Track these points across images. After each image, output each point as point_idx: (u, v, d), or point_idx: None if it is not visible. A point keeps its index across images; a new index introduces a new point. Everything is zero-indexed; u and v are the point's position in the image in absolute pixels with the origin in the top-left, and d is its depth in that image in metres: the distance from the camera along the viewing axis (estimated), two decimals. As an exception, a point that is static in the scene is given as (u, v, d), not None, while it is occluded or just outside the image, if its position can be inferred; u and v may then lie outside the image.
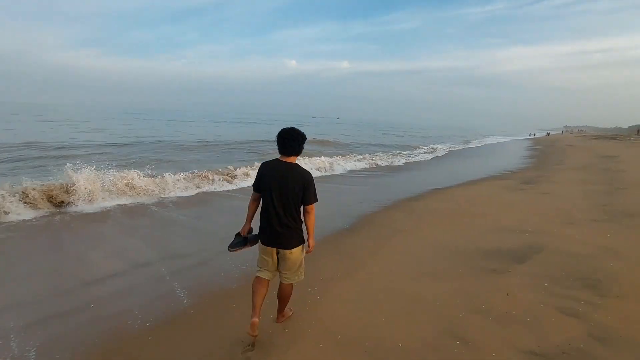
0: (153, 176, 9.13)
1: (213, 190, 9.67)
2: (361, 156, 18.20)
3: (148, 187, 8.46)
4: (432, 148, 26.67)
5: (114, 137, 22.30)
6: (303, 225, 2.88)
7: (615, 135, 49.20)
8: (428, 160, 21.03)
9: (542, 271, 4.45)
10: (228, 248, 2.96)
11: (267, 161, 2.85)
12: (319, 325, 3.21)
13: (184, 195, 8.75)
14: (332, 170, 14.42)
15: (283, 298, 3.08)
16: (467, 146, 36.63)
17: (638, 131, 70.90)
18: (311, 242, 2.91)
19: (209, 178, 10.13)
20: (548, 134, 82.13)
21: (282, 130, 2.77)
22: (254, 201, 2.93)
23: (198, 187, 9.54)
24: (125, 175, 8.46)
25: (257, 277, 2.92)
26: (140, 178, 8.62)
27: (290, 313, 3.30)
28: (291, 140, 2.72)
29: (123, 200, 7.81)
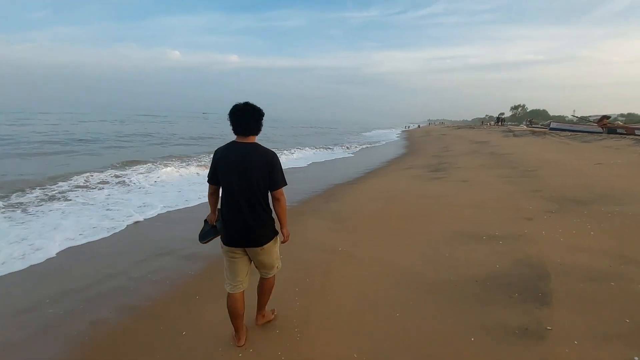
0: None
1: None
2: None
3: None
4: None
5: None
6: (273, 214, 2.43)
7: (471, 125, 57.75)
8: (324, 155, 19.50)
9: (594, 321, 2.60)
10: (200, 240, 2.53)
11: (222, 146, 2.38)
12: None
13: None
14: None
15: (263, 292, 2.70)
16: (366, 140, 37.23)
17: (482, 122, 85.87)
18: (284, 231, 2.50)
19: None
20: (419, 126, 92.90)
21: (234, 106, 2.29)
22: (212, 195, 2.48)
23: None
24: None
25: (229, 295, 2.47)
26: None
27: (273, 316, 2.85)
28: (247, 116, 2.28)
29: None
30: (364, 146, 26.78)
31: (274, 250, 2.49)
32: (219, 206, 2.44)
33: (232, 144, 2.33)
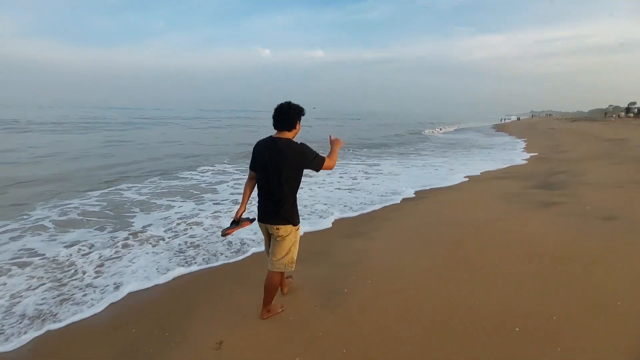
0: None
1: None
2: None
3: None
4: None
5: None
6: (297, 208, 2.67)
7: (591, 118, 46.35)
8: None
9: None
10: (222, 234, 2.66)
11: (262, 139, 2.64)
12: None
13: None
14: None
15: (267, 288, 2.73)
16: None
17: (605, 114, 69.92)
18: (336, 145, 2.73)
19: None
20: (518, 119, 79.99)
21: (278, 105, 2.56)
22: (250, 180, 2.73)
23: None
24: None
25: (268, 272, 2.71)
26: None
27: (280, 310, 2.87)
28: (281, 114, 2.52)
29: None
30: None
31: (289, 240, 2.61)
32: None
33: (269, 138, 2.57)
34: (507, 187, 7.45)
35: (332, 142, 2.72)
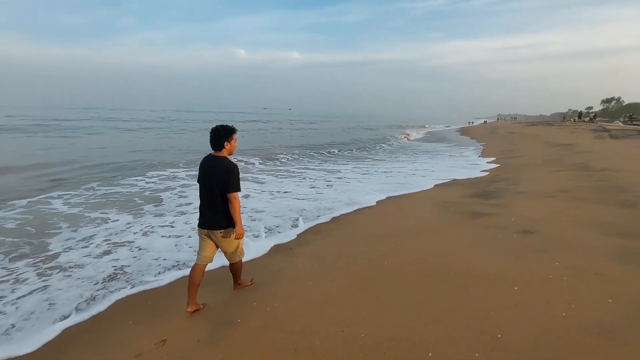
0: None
1: None
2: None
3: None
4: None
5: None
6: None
7: (549, 122, 48.72)
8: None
9: None
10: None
11: (204, 157, 3.12)
12: None
13: None
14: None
15: (233, 272, 3.41)
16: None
17: (564, 117, 73.83)
18: (237, 228, 3.02)
19: None
20: (485, 122, 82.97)
21: (212, 128, 3.04)
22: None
23: None
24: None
25: (194, 265, 3.12)
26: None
27: (249, 282, 3.56)
28: (213, 137, 2.99)
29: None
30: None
31: (231, 239, 3.07)
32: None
33: (208, 155, 3.09)
34: (448, 195, 7.57)
35: (238, 225, 3.03)
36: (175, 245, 4.89)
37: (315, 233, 5.27)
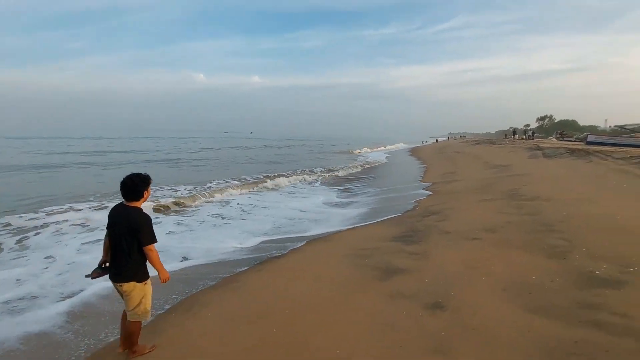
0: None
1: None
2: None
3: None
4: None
5: None
6: (145, 265, 2.97)
7: (492, 140, 51.23)
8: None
9: None
10: (85, 276, 3.01)
11: (115, 205, 3.01)
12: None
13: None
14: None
15: (129, 335, 3.01)
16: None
17: (505, 135, 78.94)
18: (161, 275, 2.96)
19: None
20: (437, 141, 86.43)
21: (124, 178, 2.90)
22: (107, 237, 3.03)
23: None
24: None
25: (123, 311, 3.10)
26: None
27: (148, 350, 3.09)
28: (129, 187, 2.87)
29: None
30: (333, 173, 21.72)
31: (135, 294, 2.88)
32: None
33: (120, 205, 2.96)
34: (369, 237, 6.56)
35: (161, 272, 2.95)
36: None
37: (203, 305, 3.86)
